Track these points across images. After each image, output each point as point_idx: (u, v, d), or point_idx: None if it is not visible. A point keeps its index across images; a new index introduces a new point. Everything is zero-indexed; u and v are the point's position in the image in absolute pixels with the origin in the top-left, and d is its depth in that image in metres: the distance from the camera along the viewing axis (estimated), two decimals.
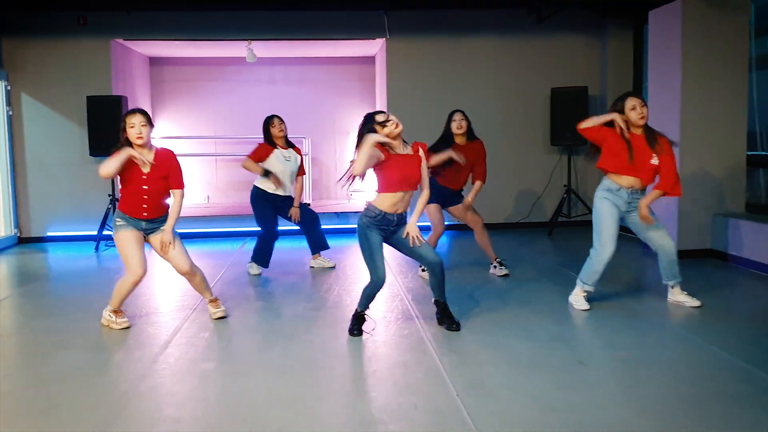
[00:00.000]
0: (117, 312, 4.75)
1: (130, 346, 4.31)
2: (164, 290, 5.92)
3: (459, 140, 5.85)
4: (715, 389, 3.36)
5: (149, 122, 4.57)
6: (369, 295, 4.38)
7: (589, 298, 4.99)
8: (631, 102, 4.72)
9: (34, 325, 4.89)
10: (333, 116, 10.80)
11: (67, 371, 3.81)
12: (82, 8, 8.48)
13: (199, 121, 10.72)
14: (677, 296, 5.00)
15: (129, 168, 4.53)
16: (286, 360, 3.94)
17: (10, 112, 8.59)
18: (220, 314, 4.82)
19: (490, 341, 4.18)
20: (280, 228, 6.53)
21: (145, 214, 4.58)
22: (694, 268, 6.30)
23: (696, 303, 4.91)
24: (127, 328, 4.70)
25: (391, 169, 4.22)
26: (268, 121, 6.33)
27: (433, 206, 5.90)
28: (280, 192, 6.30)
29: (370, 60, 10.64)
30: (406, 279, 6.01)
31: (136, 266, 4.57)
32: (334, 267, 6.62)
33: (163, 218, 4.68)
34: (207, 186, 10.85)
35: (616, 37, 8.93)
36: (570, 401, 3.24)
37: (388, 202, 4.25)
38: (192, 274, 4.74)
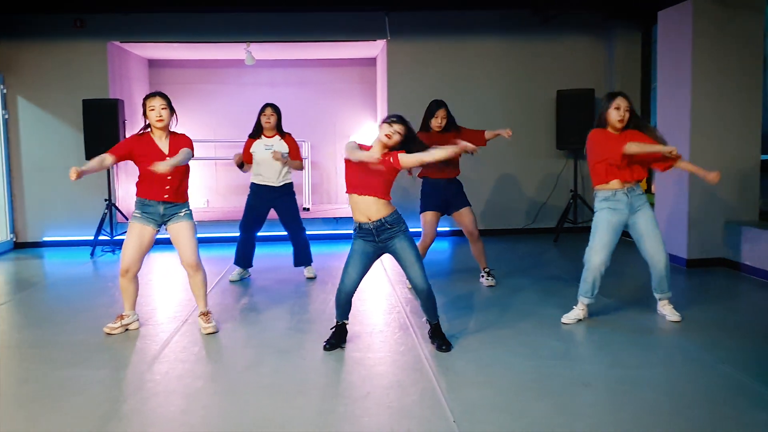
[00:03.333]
0: (119, 316, 4.72)
1: (116, 361, 4.14)
2: (159, 299, 5.75)
3: (437, 130, 5.68)
4: (729, 415, 3.16)
5: (170, 106, 4.57)
6: (338, 304, 4.25)
7: (594, 312, 4.80)
8: (618, 101, 4.57)
9: (22, 336, 4.74)
10: (333, 119, 10.63)
11: (48, 389, 3.64)
12: (79, 10, 8.32)
13: (199, 125, 10.54)
14: (663, 308, 4.81)
15: (149, 153, 4.47)
16: (276, 378, 3.76)
17: (6, 116, 8.45)
18: (210, 330, 4.64)
19: (489, 359, 3.98)
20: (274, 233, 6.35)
21: (166, 196, 4.55)
22: (704, 277, 6.10)
23: (675, 318, 4.71)
24: (109, 334, 4.62)
25: (352, 168, 4.08)
26: (261, 110, 6.15)
27: (431, 214, 5.71)
28: (272, 183, 6.10)
29: (371, 62, 10.47)
30: (404, 290, 5.81)
31: (122, 258, 4.56)
32: (315, 278, 6.39)
33: (181, 204, 4.61)
34: (207, 190, 10.69)
35: (623, 37, 8.72)
36: (574, 429, 3.05)
37: (353, 209, 4.12)
38: (196, 269, 4.64)
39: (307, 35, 8.73)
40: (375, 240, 4.10)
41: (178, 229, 4.61)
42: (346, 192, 4.15)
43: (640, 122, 4.63)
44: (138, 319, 4.83)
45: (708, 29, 6.40)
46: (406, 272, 4.18)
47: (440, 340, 4.21)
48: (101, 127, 7.97)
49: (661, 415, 3.19)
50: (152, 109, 4.50)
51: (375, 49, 9.55)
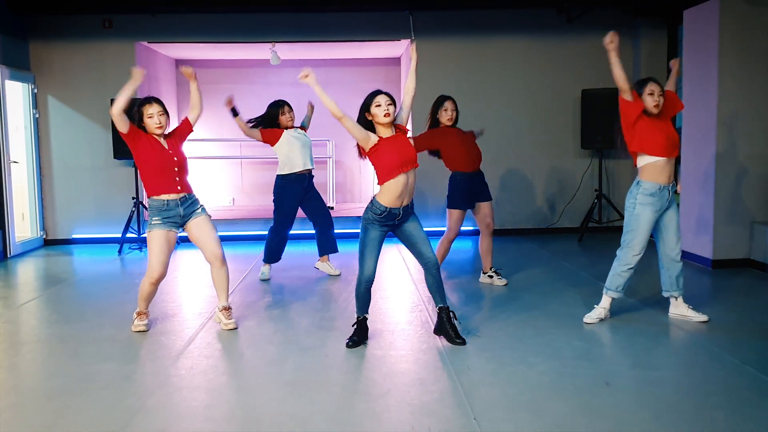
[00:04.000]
0: (140, 314, 4.75)
1: (141, 357, 4.23)
2: (184, 296, 5.83)
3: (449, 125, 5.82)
4: (752, 416, 3.14)
5: (166, 111, 4.55)
6: (359, 296, 4.28)
7: (616, 312, 4.78)
8: (650, 87, 4.51)
9: (50, 331, 4.85)
10: None
11: (74, 384, 3.73)
12: (108, 11, 8.47)
13: (225, 124, 10.62)
14: (682, 310, 4.71)
15: (148, 148, 4.46)
16: (298, 375, 3.80)
17: (37, 115, 8.61)
18: (232, 326, 4.70)
19: (510, 358, 3.99)
20: (301, 231, 6.39)
21: (178, 187, 4.53)
22: (729, 278, 6.03)
23: (703, 318, 4.64)
24: (143, 331, 4.68)
25: (387, 151, 4.11)
26: (278, 108, 6.19)
27: (460, 213, 5.75)
28: (300, 168, 6.12)
29: (395, 61, 10.49)
30: (426, 288, 5.81)
31: (155, 268, 4.52)
32: (339, 275, 6.45)
33: (196, 200, 4.65)
34: (233, 188, 10.80)
35: (648, 36, 8.64)
36: (595, 428, 3.05)
37: (393, 194, 4.10)
38: (223, 261, 4.69)
39: (332, 35, 8.78)
40: (395, 223, 4.18)
41: (199, 225, 4.64)
42: (390, 177, 4.08)
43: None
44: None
45: (734, 28, 6.31)
46: (418, 248, 4.24)
47: (454, 332, 4.24)
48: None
49: (684, 415, 3.17)
50: (150, 117, 4.45)
51: (399, 48, 9.56)
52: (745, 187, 6.45)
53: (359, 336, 4.30)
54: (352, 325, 4.37)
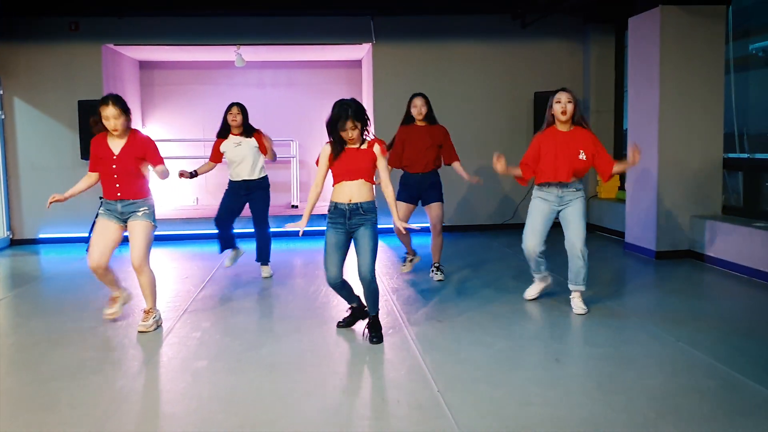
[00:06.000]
0: (110, 300, 5.00)
1: (124, 345, 4.46)
2: (160, 291, 6.03)
3: (419, 124, 6.04)
4: (681, 384, 3.56)
5: (123, 111, 4.58)
6: (336, 292, 4.56)
7: (568, 298, 5.19)
8: (558, 96, 4.88)
9: (31, 325, 5.02)
10: (321, 119, 10.81)
11: (64, 369, 3.96)
12: (74, 14, 8.60)
13: (189, 124, 10.83)
14: (572, 300, 5.00)
15: (101, 155, 4.64)
16: (275, 358, 4.10)
17: (3, 117, 8.68)
18: (142, 329, 4.71)
19: (471, 340, 4.36)
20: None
21: (118, 194, 4.65)
22: (671, 268, 6.52)
23: (581, 311, 4.91)
24: (112, 320, 4.93)
25: (337, 161, 4.36)
26: (227, 110, 6.30)
27: (403, 205, 6.00)
28: (248, 177, 6.24)
29: (357, 63, 10.80)
30: (392, 280, 6.18)
31: (91, 258, 4.70)
32: (270, 276, 6.55)
33: (140, 202, 4.69)
34: (196, 188, 10.96)
35: (598, 42, 9.14)
36: (545, 396, 3.42)
37: (336, 192, 4.39)
38: (139, 271, 4.71)
39: (295, 38, 9.04)
40: (345, 222, 4.32)
41: (131, 229, 4.71)
42: (334, 183, 4.41)
43: (582, 118, 4.97)
44: (130, 292, 5.14)
45: (674, 35, 6.82)
46: (357, 257, 4.34)
47: (375, 332, 4.40)
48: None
49: (622, 383, 3.58)
50: (106, 120, 4.57)
51: (361, 51, 9.88)
52: (685, 183, 6.95)
53: (350, 320, 4.69)
54: (346, 309, 4.76)
